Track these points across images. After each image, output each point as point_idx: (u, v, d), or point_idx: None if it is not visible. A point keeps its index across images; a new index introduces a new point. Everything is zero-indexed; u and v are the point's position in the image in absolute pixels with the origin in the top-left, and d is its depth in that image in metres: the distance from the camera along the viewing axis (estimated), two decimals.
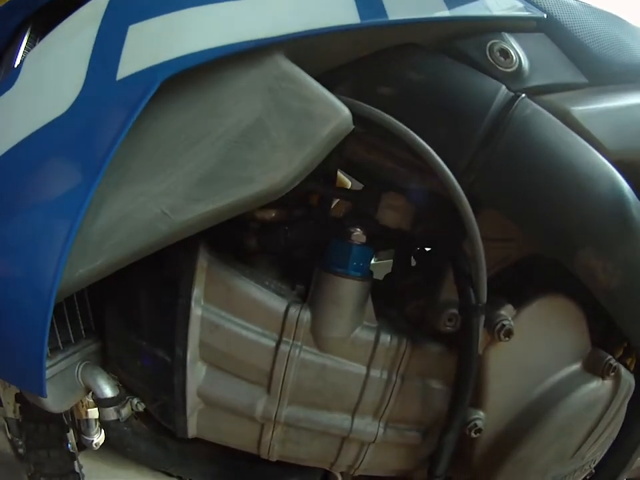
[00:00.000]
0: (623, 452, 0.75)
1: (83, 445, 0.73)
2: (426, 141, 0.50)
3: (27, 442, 0.77)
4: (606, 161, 0.54)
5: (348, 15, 0.47)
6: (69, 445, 0.78)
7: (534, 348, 0.62)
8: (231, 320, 0.58)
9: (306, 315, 0.59)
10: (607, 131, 0.57)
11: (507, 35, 0.56)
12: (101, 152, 0.42)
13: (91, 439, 0.70)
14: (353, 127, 0.48)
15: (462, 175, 0.52)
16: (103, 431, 0.71)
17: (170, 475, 0.84)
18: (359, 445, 0.65)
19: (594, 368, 0.65)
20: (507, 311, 0.60)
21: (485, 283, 0.55)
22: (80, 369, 0.61)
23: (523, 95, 0.52)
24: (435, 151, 0.50)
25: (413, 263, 0.79)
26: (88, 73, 0.44)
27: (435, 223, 0.60)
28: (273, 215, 0.62)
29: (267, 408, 0.61)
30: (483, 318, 0.56)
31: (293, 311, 0.58)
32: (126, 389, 0.64)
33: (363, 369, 0.61)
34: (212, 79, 0.46)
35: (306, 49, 0.48)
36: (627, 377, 0.66)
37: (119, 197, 0.45)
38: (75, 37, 0.46)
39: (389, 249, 0.85)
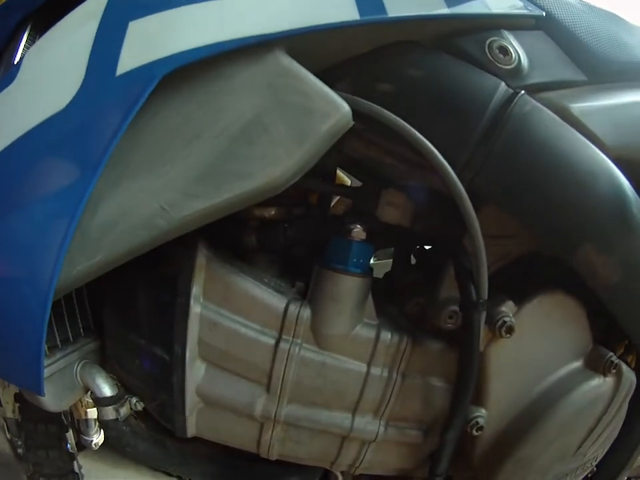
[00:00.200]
0: (625, 449, 0.74)
1: (82, 445, 0.72)
2: (425, 138, 0.50)
3: (26, 442, 0.76)
4: (605, 157, 0.54)
5: (348, 12, 0.47)
6: (68, 445, 0.77)
7: (535, 345, 0.62)
8: (230, 318, 0.58)
9: (306, 313, 0.58)
10: (605, 128, 0.57)
11: (506, 33, 0.56)
12: (100, 148, 0.42)
13: (90, 439, 0.69)
14: (353, 123, 0.48)
15: (461, 171, 0.52)
16: (102, 431, 0.70)
17: (169, 474, 0.83)
18: (360, 443, 0.65)
19: (595, 365, 0.65)
20: (507, 308, 0.60)
21: (485, 279, 0.55)
22: (78, 368, 0.61)
23: (522, 92, 0.52)
24: (434, 147, 0.50)
25: (413, 261, 0.79)
26: (88, 68, 0.44)
27: (435, 219, 0.59)
28: (273, 212, 0.62)
29: (267, 406, 0.60)
30: (484, 314, 0.56)
31: (293, 308, 0.58)
32: (125, 388, 0.64)
33: (363, 367, 0.61)
34: (211, 75, 0.45)
35: (306, 45, 0.48)
36: (629, 375, 0.66)
37: (118, 192, 0.45)
38: (75, 33, 0.46)
39: (388, 246, 0.85)
